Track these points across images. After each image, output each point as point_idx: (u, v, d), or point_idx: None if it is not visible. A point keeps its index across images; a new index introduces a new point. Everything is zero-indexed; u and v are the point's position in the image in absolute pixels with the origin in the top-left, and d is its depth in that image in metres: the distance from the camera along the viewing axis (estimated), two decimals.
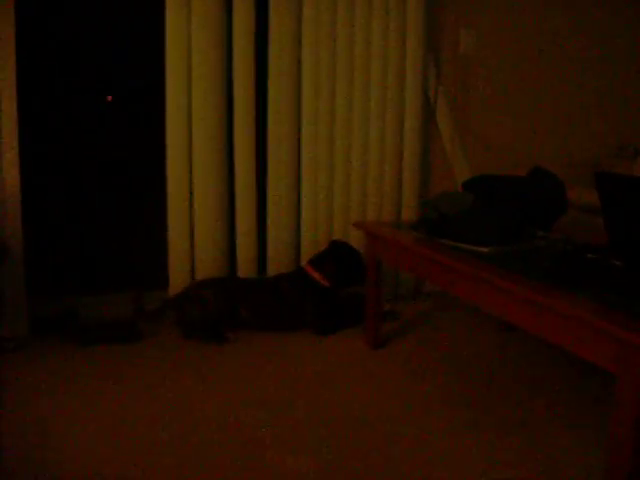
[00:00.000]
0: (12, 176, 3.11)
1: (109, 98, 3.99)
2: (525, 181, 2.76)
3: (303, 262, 3.71)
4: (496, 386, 2.76)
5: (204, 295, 3.29)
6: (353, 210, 3.86)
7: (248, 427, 2.36)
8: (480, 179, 2.82)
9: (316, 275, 3.43)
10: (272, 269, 3.75)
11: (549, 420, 2.45)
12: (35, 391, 2.63)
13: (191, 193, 3.53)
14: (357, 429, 2.36)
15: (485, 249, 2.40)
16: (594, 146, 4.33)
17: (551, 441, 2.29)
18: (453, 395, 2.67)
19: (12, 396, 2.57)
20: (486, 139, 4.11)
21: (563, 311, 1.78)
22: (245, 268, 3.69)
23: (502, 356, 3.10)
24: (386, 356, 3.10)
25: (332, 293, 3.46)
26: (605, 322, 1.62)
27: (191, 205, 3.54)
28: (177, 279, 3.57)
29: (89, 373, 2.82)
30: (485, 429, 2.38)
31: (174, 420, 2.40)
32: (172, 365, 2.94)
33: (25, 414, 2.42)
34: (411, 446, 2.25)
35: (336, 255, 3.48)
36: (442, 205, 2.61)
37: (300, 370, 2.91)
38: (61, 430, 2.31)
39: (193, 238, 3.58)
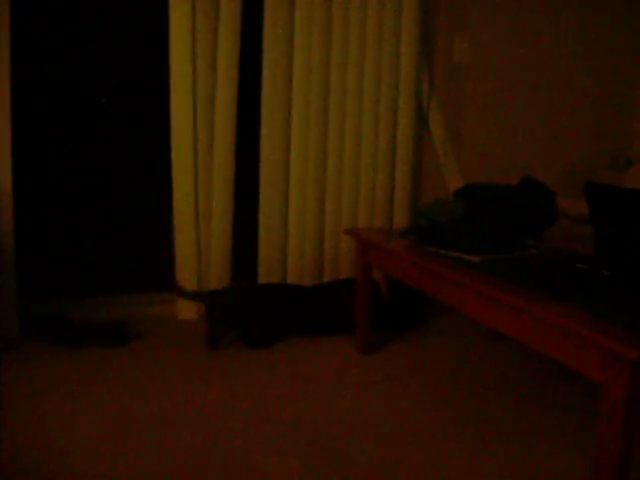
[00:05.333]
0: (4, 176, 3.11)
1: (102, 100, 3.98)
2: (516, 190, 2.77)
3: (292, 271, 3.79)
4: (484, 394, 2.77)
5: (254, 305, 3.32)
6: (344, 216, 3.86)
7: (235, 430, 2.37)
8: (471, 187, 2.83)
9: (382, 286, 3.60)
10: (263, 274, 3.76)
11: (536, 428, 2.46)
12: (24, 392, 2.62)
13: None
14: (343, 434, 2.37)
15: (475, 257, 2.41)
16: (587, 156, 4.35)
17: (537, 449, 2.30)
18: (440, 402, 2.68)
19: (1, 397, 2.57)
20: (478, 147, 4.13)
21: (551, 320, 1.79)
22: (218, 274, 3.71)
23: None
24: (375, 362, 3.11)
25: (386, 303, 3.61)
26: (592, 332, 1.63)
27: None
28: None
29: (79, 375, 2.82)
30: (471, 436, 2.38)
31: (162, 422, 2.40)
32: (161, 368, 2.94)
33: (14, 415, 2.42)
34: (396, 451, 2.25)
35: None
36: (433, 213, 2.62)
37: (288, 375, 2.92)
38: (50, 431, 2.31)
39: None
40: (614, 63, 4.38)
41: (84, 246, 3.98)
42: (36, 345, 3.15)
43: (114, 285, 3.83)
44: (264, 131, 3.66)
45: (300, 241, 3.79)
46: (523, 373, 3.02)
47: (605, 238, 2.17)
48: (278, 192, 3.73)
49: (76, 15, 3.74)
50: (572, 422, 2.52)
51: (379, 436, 2.37)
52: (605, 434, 1.64)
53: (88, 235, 3.98)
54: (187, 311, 3.68)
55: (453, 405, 2.65)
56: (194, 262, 3.61)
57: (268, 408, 2.57)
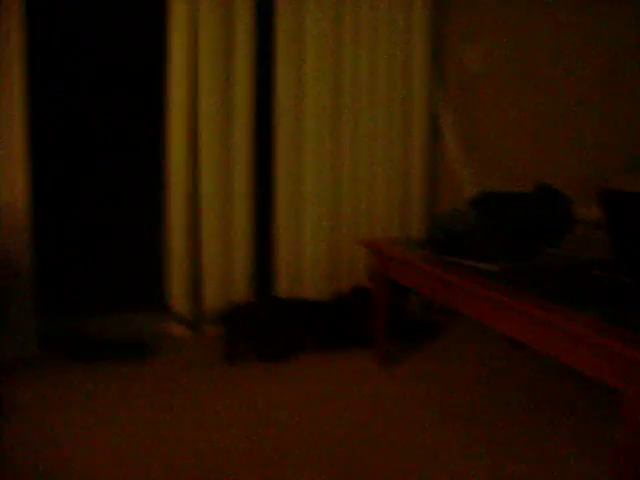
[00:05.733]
0: (21, 194, 3.15)
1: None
2: (531, 198, 2.76)
3: (309, 282, 3.80)
4: (505, 405, 2.75)
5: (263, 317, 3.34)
6: (361, 227, 3.87)
7: (256, 445, 2.37)
8: (487, 196, 2.82)
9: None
10: (282, 287, 3.77)
11: (555, 437, 2.44)
12: (43, 409, 2.64)
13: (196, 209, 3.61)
14: (363, 447, 2.36)
15: (491, 267, 2.39)
16: (603, 161, 4.32)
17: (557, 458, 2.28)
18: (460, 412, 2.66)
19: (21, 414, 2.58)
20: (492, 155, 4.11)
21: (569, 329, 1.78)
22: (241, 285, 3.73)
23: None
24: (394, 374, 3.10)
25: (397, 307, 3.49)
26: (611, 340, 1.61)
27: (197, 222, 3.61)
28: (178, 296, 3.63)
29: (98, 391, 2.83)
30: (491, 447, 2.37)
31: (183, 438, 2.41)
32: (181, 383, 2.94)
33: (34, 432, 2.43)
34: (417, 463, 2.24)
35: None
36: (448, 223, 2.62)
37: (308, 388, 2.91)
38: (69, 448, 2.32)
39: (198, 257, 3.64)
40: (628, 67, 4.35)
41: (99, 264, 3.99)
42: (54, 362, 3.17)
43: (129, 301, 3.85)
44: (279, 147, 3.70)
45: (317, 252, 3.80)
46: (545, 381, 2.99)
47: (623, 244, 2.15)
48: (293, 205, 3.75)
49: (83, 21, 3.77)
50: (593, 429, 2.49)
51: (401, 449, 2.35)
52: (626, 442, 1.62)
53: (104, 252, 3.99)
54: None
55: (474, 414, 2.64)
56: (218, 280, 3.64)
57: (289, 423, 2.56)
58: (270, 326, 3.30)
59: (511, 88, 4.14)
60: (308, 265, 3.82)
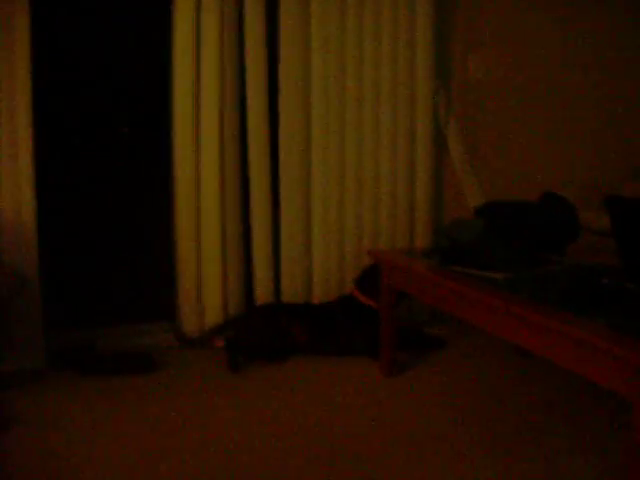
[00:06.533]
0: (28, 209, 3.15)
1: (125, 129, 4.02)
2: (536, 206, 2.75)
3: (316, 290, 3.79)
4: (511, 414, 2.73)
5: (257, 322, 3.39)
6: (365, 237, 3.86)
7: (259, 455, 2.36)
8: (492, 205, 2.82)
9: (362, 298, 3.43)
10: (285, 295, 3.77)
11: (564, 446, 2.42)
12: (51, 424, 2.63)
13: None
14: (367, 457, 2.35)
15: (498, 275, 2.39)
16: (608, 169, 4.30)
17: (565, 466, 2.26)
18: (466, 423, 2.65)
19: (29, 429, 2.58)
20: (497, 164, 4.10)
21: (577, 337, 1.77)
22: (262, 296, 3.73)
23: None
24: (400, 384, 3.08)
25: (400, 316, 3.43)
26: (619, 348, 1.61)
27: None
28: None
29: (106, 405, 2.82)
30: (497, 457, 2.35)
31: (188, 451, 2.40)
32: (187, 396, 2.94)
33: (41, 447, 2.43)
34: (422, 474, 2.23)
35: (375, 274, 3.28)
36: (454, 232, 2.61)
37: (311, 398, 2.90)
38: (77, 464, 2.31)
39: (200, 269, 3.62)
40: (632, 74, 4.35)
41: (106, 277, 4.00)
42: (62, 376, 3.16)
43: (136, 314, 3.85)
44: (283, 158, 3.70)
45: (323, 262, 3.80)
46: (553, 390, 2.97)
47: (630, 251, 2.14)
48: (300, 215, 3.75)
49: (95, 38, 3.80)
50: (602, 438, 2.47)
51: (404, 458, 2.34)
52: (635, 451, 1.61)
53: (111, 266, 4.00)
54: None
55: (479, 425, 2.62)
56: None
57: (293, 432, 2.55)
58: (262, 327, 3.36)
59: (516, 95, 4.13)
60: (312, 275, 3.81)
